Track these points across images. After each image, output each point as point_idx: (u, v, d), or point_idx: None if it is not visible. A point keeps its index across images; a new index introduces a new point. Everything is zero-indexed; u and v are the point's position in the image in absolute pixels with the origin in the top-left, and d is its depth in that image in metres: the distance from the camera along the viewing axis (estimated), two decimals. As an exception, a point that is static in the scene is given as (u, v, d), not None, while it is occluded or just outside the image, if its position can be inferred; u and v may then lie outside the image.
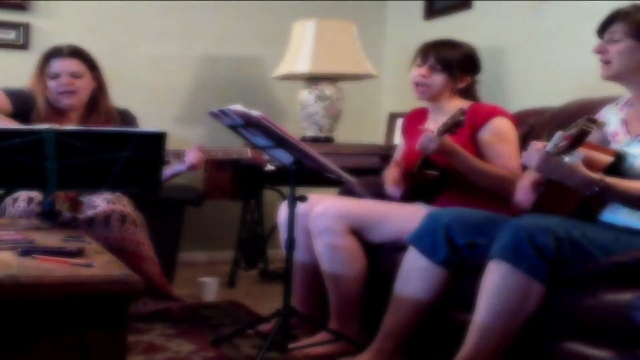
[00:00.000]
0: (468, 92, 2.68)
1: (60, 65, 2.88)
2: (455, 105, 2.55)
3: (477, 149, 2.52)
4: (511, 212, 2.24)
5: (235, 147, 2.98)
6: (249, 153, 2.86)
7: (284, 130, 2.27)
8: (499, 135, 2.53)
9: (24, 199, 2.64)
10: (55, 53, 2.90)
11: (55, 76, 2.87)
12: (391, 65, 4.32)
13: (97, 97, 2.98)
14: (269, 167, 2.83)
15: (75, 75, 2.89)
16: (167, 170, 2.82)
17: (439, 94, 2.63)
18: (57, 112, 2.91)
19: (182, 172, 2.88)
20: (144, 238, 2.76)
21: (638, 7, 2.06)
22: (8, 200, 2.70)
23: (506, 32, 3.52)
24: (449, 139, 2.38)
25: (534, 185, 2.08)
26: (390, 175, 2.68)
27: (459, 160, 2.42)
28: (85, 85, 2.92)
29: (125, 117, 3.03)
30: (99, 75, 2.98)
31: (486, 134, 2.53)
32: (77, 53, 2.92)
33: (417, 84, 2.63)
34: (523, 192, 2.11)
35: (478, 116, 2.54)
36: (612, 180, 1.89)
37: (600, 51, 2.09)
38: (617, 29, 2.05)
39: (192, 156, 2.79)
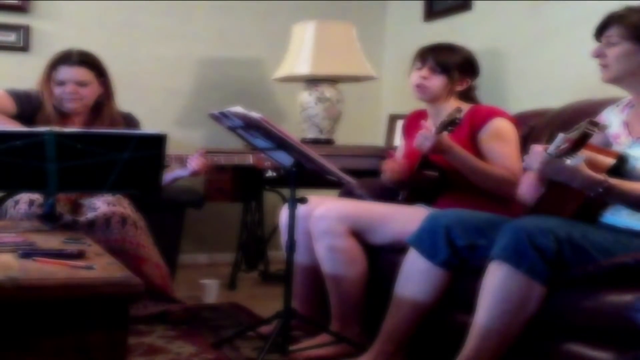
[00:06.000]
0: (467, 96, 2.69)
1: (67, 73, 2.87)
2: (454, 107, 2.56)
3: (477, 150, 2.53)
4: (512, 213, 2.24)
5: (237, 153, 2.97)
6: (250, 159, 2.86)
7: (284, 132, 2.27)
8: (499, 135, 2.53)
9: (25, 201, 2.64)
10: (64, 59, 2.89)
11: (61, 83, 2.87)
12: (391, 67, 4.32)
13: (103, 103, 2.97)
14: (271, 173, 2.82)
15: (81, 84, 2.87)
16: (168, 175, 2.82)
17: (438, 96, 2.64)
18: (61, 116, 2.91)
19: (184, 178, 2.87)
20: (145, 240, 2.76)
21: (632, 10, 2.06)
22: (9, 202, 2.70)
23: (506, 33, 3.53)
24: (446, 137, 2.39)
25: (539, 182, 2.06)
26: (388, 165, 2.67)
27: (457, 158, 2.43)
28: (90, 92, 2.91)
29: (129, 121, 3.03)
30: (107, 81, 2.97)
31: (486, 135, 2.53)
32: (85, 61, 2.90)
33: (418, 86, 2.65)
34: (527, 186, 2.09)
35: (477, 117, 2.55)
36: (615, 181, 1.89)
37: (598, 55, 2.09)
38: (614, 33, 2.05)
39: (194, 162, 2.79)
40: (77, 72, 2.87)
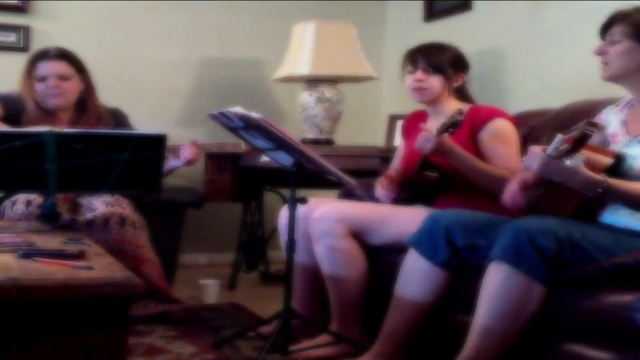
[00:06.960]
0: (463, 94, 2.69)
1: (47, 67, 2.87)
2: (454, 106, 2.56)
3: (477, 150, 2.53)
4: (511, 213, 2.24)
5: (229, 140, 2.96)
6: (242, 146, 2.86)
7: (284, 133, 2.27)
8: (499, 136, 2.54)
9: (22, 201, 2.64)
10: (42, 55, 2.90)
11: (43, 79, 2.87)
12: (391, 67, 4.31)
13: (86, 99, 2.97)
14: (264, 158, 2.82)
15: (62, 78, 2.88)
16: (164, 167, 2.82)
17: (437, 96, 2.64)
18: (46, 114, 2.90)
19: (178, 168, 2.88)
20: (144, 240, 2.76)
21: (638, 9, 2.07)
22: (7, 203, 2.70)
23: (506, 34, 3.53)
24: (447, 138, 2.39)
25: (523, 188, 2.07)
26: (382, 180, 2.68)
27: (458, 159, 2.43)
28: (72, 87, 2.91)
29: (117, 116, 3.03)
30: (87, 77, 2.97)
31: (486, 135, 2.54)
32: (64, 55, 2.91)
33: (415, 89, 2.64)
34: (511, 196, 2.10)
35: (478, 117, 2.55)
36: (614, 181, 1.89)
37: (601, 52, 2.10)
38: (617, 31, 2.06)
39: (187, 152, 2.80)
40: (57, 65, 2.88)
